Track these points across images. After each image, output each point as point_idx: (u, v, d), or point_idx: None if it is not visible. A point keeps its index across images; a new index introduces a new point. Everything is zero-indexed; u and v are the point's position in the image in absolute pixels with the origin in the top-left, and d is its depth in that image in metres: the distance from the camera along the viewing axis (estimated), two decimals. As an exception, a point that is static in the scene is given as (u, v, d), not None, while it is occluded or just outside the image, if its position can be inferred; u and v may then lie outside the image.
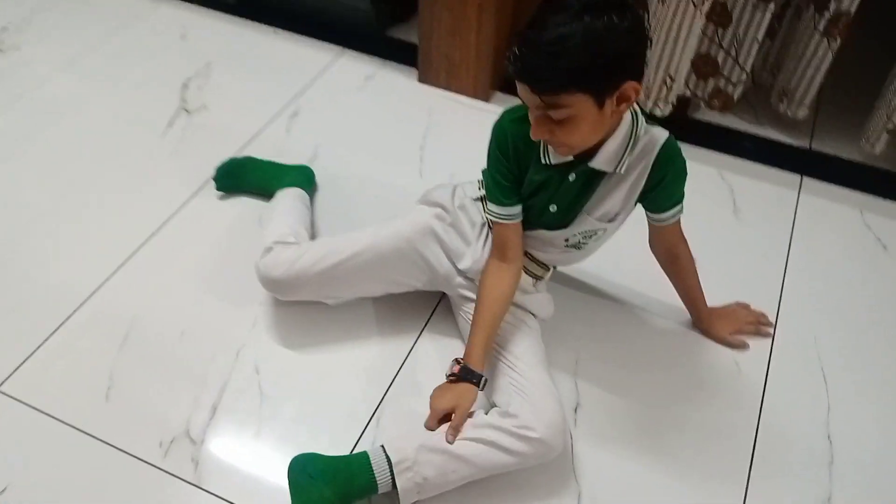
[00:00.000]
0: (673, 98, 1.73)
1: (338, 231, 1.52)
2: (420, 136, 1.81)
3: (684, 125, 1.84)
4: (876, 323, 1.44)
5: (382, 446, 1.12)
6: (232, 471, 1.19)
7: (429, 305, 1.43)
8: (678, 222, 1.24)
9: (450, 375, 1.18)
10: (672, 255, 1.30)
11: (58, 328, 1.36)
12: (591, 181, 1.14)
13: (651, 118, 1.13)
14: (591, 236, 1.22)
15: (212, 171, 1.62)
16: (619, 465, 1.22)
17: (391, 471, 1.09)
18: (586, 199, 1.16)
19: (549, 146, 1.11)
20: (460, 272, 1.30)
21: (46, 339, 1.35)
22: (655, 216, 1.22)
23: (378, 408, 1.28)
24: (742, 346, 1.38)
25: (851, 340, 1.41)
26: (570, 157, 1.11)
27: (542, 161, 1.13)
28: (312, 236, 1.50)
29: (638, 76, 0.99)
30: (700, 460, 1.23)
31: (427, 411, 1.16)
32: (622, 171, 1.11)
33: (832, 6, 1.57)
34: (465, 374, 1.16)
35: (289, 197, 1.52)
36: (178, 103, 1.87)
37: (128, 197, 1.63)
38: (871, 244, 1.59)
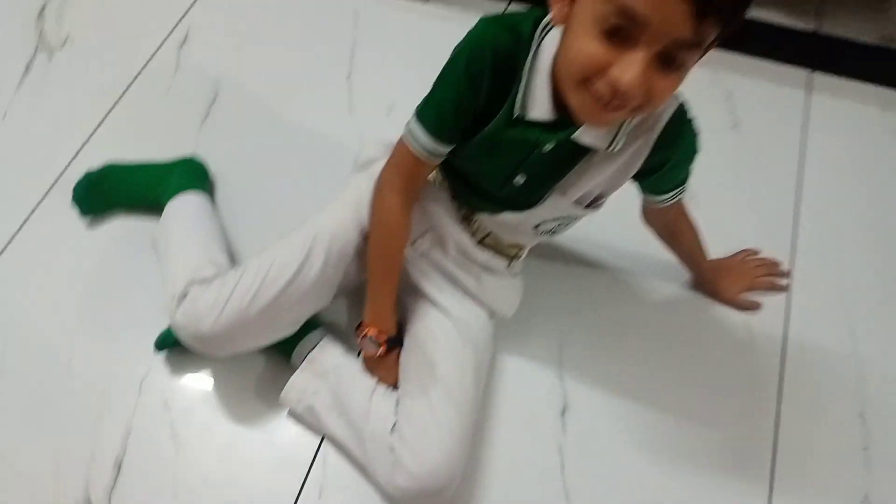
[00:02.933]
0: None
1: (258, 215, 1.23)
2: (346, 54, 1.46)
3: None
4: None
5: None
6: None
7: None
8: (682, 204, 0.97)
9: (379, 355, 0.98)
10: (670, 231, 1.05)
11: None
12: (573, 156, 0.84)
13: None
14: (566, 223, 0.95)
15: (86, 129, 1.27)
16: (618, 474, 1.01)
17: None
18: (562, 176, 0.87)
19: (531, 93, 0.77)
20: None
21: None
22: (651, 197, 0.94)
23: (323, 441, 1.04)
24: (753, 307, 1.14)
25: (885, 285, 1.18)
26: (552, 117, 0.78)
27: (516, 113, 0.80)
28: (231, 253, 1.15)
29: None
30: (713, 459, 1.02)
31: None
32: (615, 150, 0.81)
33: None
34: (393, 346, 0.99)
35: (185, 211, 1.15)
36: (35, 40, 1.47)
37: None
38: (896, 153, 1.33)
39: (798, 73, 1.43)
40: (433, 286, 1.01)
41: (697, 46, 0.65)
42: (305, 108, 1.38)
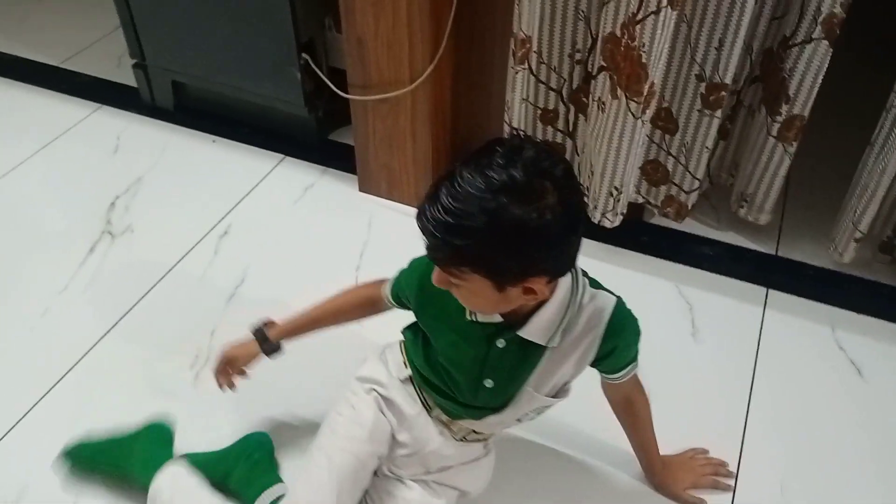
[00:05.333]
0: (622, 208, 1.61)
1: (271, 392, 1.36)
2: (357, 253, 1.69)
3: (638, 230, 1.72)
4: (854, 470, 1.27)
5: None
6: None
7: None
8: (636, 378, 1.11)
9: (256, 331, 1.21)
10: (627, 401, 1.15)
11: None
12: (527, 352, 0.99)
13: (595, 282, 1.00)
14: (544, 409, 1.09)
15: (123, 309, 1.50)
16: None
17: None
18: (528, 374, 1.01)
19: None
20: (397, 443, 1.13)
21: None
22: (608, 376, 1.09)
23: None
24: (698, 504, 1.22)
25: (824, 493, 1.24)
26: (500, 319, 0.96)
27: (468, 318, 0.97)
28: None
29: (553, 274, 0.87)
30: None
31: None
32: (555, 345, 0.97)
33: (785, 109, 1.46)
34: (257, 333, 1.20)
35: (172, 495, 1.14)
36: (103, 226, 1.76)
37: (26, 345, 1.49)
38: (844, 369, 1.44)
39: (756, 291, 1.59)
40: (405, 472, 1.12)
41: (451, 273, 0.85)
42: (316, 293, 1.59)
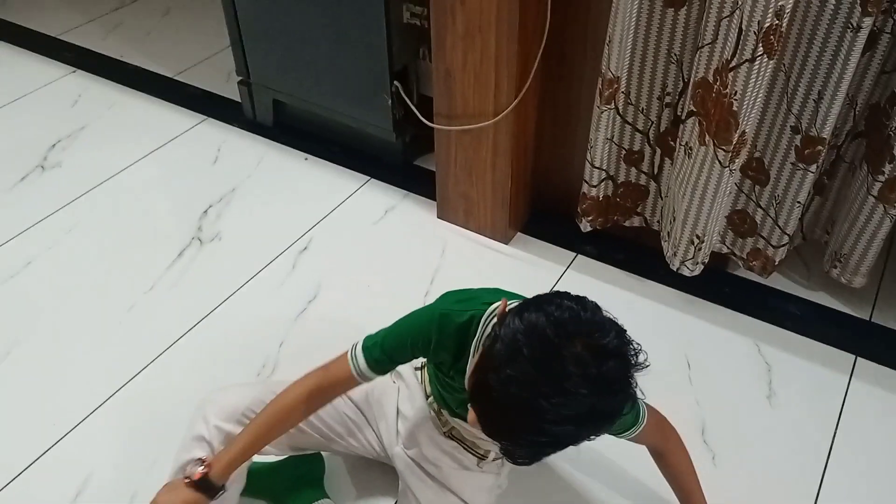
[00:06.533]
0: (703, 258, 1.54)
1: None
2: (427, 279, 1.71)
3: (719, 281, 1.64)
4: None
5: None
6: None
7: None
8: (651, 424, 1.06)
9: (186, 479, 1.00)
10: (656, 451, 1.12)
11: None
12: None
13: None
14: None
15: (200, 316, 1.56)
16: None
17: None
18: None
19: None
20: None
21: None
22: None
23: None
24: (755, 581, 1.14)
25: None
26: None
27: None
28: None
29: None
30: None
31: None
32: None
33: (888, 169, 1.36)
34: (202, 484, 0.99)
35: None
36: (194, 232, 1.85)
37: (107, 337, 1.58)
38: (935, 453, 1.32)
39: (843, 357, 1.48)
40: (415, 477, 1.14)
41: None
42: (384, 316, 1.61)
